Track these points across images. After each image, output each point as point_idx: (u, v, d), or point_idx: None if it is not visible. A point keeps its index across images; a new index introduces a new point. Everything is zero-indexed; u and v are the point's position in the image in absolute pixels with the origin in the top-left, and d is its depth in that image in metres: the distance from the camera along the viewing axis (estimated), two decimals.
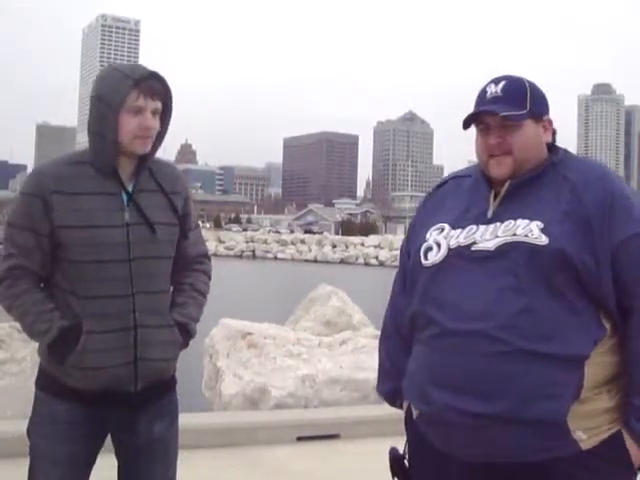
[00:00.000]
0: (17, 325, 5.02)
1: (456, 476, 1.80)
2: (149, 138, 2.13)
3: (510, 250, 1.74)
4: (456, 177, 2.04)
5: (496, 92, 1.85)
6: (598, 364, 1.72)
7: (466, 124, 1.88)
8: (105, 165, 2.12)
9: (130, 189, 2.15)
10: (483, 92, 1.88)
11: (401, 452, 1.97)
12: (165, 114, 2.19)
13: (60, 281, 2.12)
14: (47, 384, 2.16)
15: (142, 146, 2.12)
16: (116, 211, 2.11)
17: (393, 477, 1.97)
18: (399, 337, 1.99)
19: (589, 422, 1.71)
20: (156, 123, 2.14)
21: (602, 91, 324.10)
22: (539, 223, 1.74)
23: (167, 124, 2.22)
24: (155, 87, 2.12)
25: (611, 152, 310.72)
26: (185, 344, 2.25)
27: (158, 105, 2.13)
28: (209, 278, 2.37)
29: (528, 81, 1.89)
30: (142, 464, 2.22)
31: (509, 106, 1.82)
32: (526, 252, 1.71)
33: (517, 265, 1.71)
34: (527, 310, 1.69)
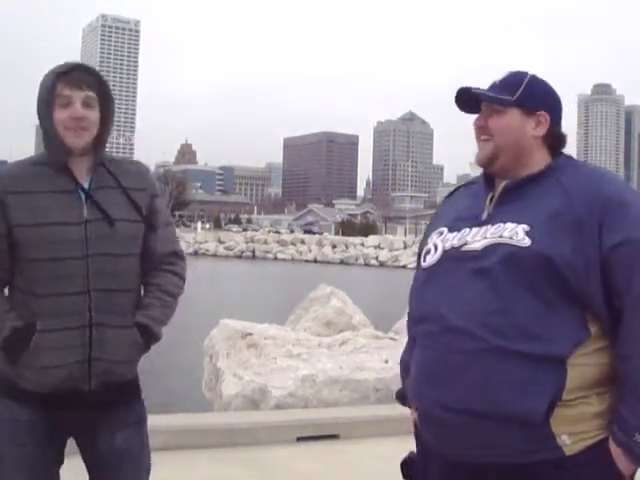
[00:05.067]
0: None
1: (442, 476, 1.83)
2: (82, 130, 2.11)
3: (493, 251, 1.77)
4: (466, 184, 2.09)
5: (495, 81, 1.92)
6: (583, 366, 1.71)
7: (459, 105, 1.94)
8: (56, 162, 2.13)
9: (87, 186, 2.14)
10: None
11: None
12: (106, 104, 2.18)
13: (19, 281, 2.12)
14: (4, 387, 2.14)
15: (74, 138, 2.11)
16: (73, 208, 2.10)
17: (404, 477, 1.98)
18: (412, 339, 2.02)
19: (575, 427, 1.70)
20: (89, 114, 2.12)
21: (602, 91, 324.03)
22: (525, 226, 1.76)
23: (109, 114, 2.20)
24: (80, 77, 2.12)
25: (611, 152, 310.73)
26: (146, 347, 2.20)
27: (89, 94, 2.12)
28: (181, 279, 2.30)
29: (533, 75, 1.93)
30: (109, 475, 2.19)
31: (496, 92, 1.89)
32: (506, 254, 1.74)
33: (496, 266, 1.75)
34: (504, 310, 1.71)
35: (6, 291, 2.18)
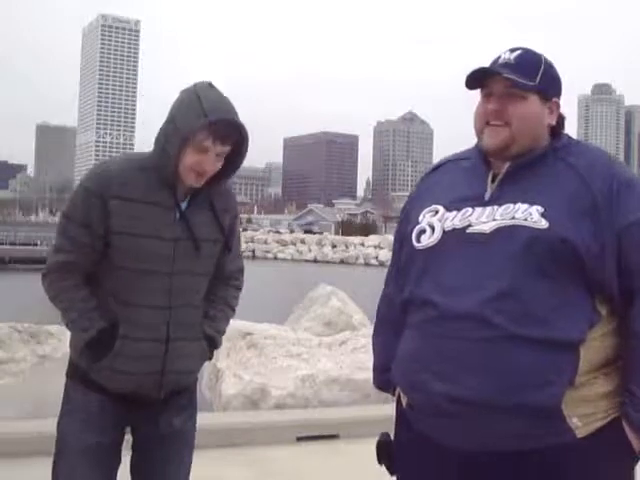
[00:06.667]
0: (17, 325, 5.03)
1: (452, 466, 1.76)
2: (202, 177, 2.12)
3: (507, 233, 1.69)
4: (453, 160, 1.99)
5: (509, 59, 1.79)
6: (594, 348, 1.69)
7: (470, 84, 1.83)
8: (165, 178, 2.13)
9: (184, 204, 2.17)
10: (497, 58, 1.83)
11: (392, 438, 1.92)
12: (237, 156, 2.17)
13: (103, 281, 2.17)
14: (77, 376, 2.21)
15: (195, 181, 2.12)
16: (167, 225, 2.14)
17: (379, 462, 1.93)
18: (393, 326, 1.94)
19: (584, 408, 1.68)
20: (218, 164, 2.13)
21: (602, 91, 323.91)
22: (539, 207, 1.69)
23: (237, 165, 2.20)
24: (228, 133, 2.09)
25: (611, 152, 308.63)
26: (210, 356, 2.32)
27: (226, 149, 2.12)
28: (240, 291, 2.45)
29: (546, 59, 1.85)
30: (159, 456, 2.26)
31: (518, 74, 1.76)
32: (524, 236, 1.67)
33: (513, 248, 1.68)
34: (520, 294, 1.66)
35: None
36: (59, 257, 2.15)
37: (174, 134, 2.08)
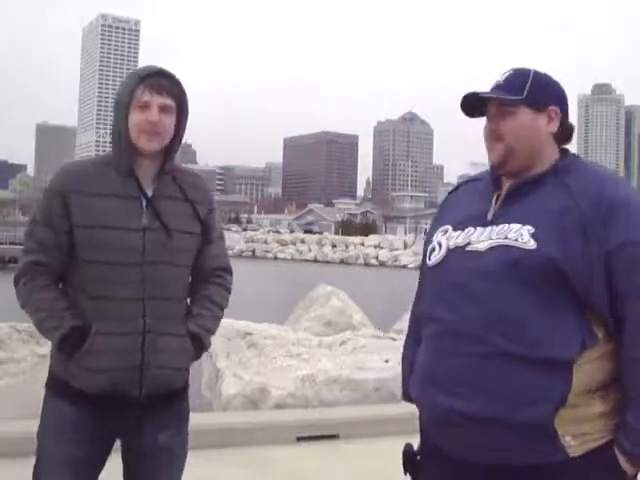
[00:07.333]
0: (17, 325, 5.03)
1: (452, 475, 1.83)
2: (156, 135, 2.12)
3: (498, 253, 1.75)
4: (469, 181, 2.07)
5: (499, 81, 1.88)
6: (589, 370, 1.70)
7: (465, 110, 1.91)
8: (122, 165, 2.13)
9: (150, 193, 2.15)
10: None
11: (415, 449, 1.98)
12: (180, 114, 2.18)
13: (73, 279, 2.14)
14: (54, 385, 2.17)
15: (148, 142, 2.12)
16: (133, 214, 2.11)
17: (405, 473, 1.98)
18: (415, 340, 2.02)
19: (579, 428, 1.70)
20: (165, 120, 2.13)
21: (602, 91, 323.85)
22: (530, 227, 1.74)
23: (183, 125, 2.21)
24: (161, 83, 2.12)
25: (611, 152, 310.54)
26: (197, 355, 2.24)
27: (167, 101, 2.13)
28: (228, 292, 2.35)
29: (536, 71, 1.90)
30: (146, 469, 2.21)
31: (505, 92, 1.84)
32: (513, 256, 1.72)
33: (500, 269, 1.73)
34: (510, 314, 1.70)
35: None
36: (27, 258, 2.14)
37: (119, 108, 2.13)
